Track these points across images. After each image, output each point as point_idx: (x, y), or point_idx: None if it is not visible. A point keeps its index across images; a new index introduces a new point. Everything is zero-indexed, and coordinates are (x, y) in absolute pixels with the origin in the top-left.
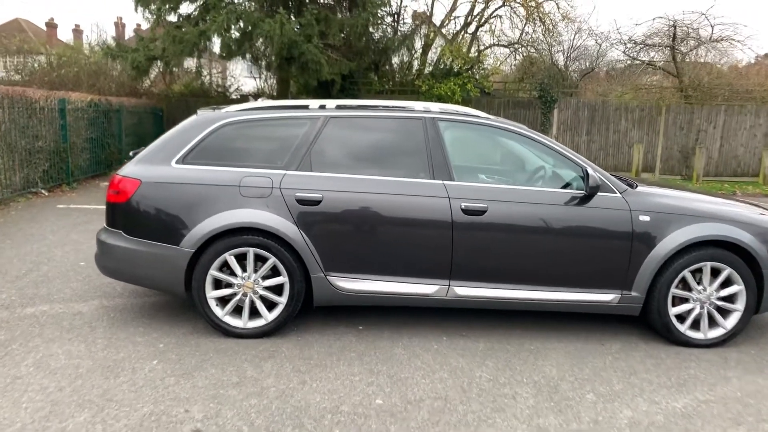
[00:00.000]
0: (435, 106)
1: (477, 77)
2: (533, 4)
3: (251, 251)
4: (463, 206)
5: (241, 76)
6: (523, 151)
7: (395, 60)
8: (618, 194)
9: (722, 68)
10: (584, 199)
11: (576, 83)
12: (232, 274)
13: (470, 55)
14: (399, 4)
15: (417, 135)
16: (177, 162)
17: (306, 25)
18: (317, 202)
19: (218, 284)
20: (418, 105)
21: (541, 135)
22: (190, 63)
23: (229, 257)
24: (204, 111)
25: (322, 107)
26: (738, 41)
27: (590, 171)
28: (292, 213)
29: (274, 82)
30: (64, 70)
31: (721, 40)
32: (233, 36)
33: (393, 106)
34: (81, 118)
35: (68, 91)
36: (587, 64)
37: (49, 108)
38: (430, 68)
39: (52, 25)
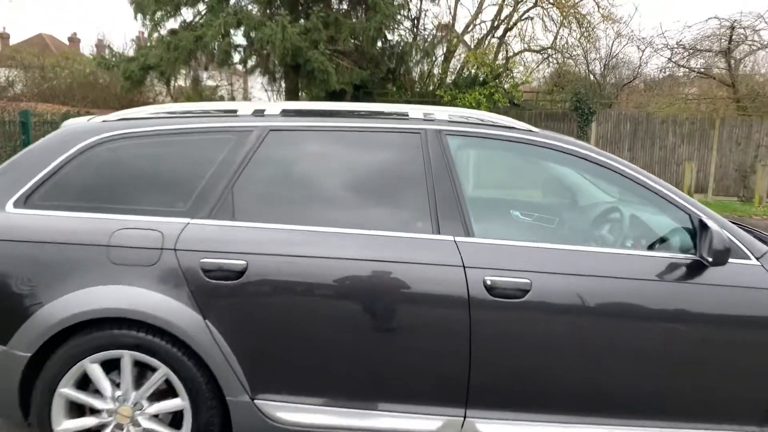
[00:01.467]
0: (442, 111)
1: (505, 87)
2: (570, 3)
3: (127, 356)
4: (488, 281)
5: (253, 89)
6: (584, 183)
7: (414, 68)
8: (755, 261)
9: None
10: (696, 269)
11: (616, 93)
12: (98, 393)
13: (497, 62)
14: (419, 7)
15: (412, 157)
16: (16, 204)
17: (312, 29)
18: (239, 273)
19: (76, 410)
20: (416, 110)
21: (616, 158)
22: (203, 76)
23: (91, 366)
24: (72, 122)
25: (259, 113)
26: None
27: (709, 222)
28: (195, 293)
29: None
30: (56, 81)
31: None
32: (232, 42)
33: (375, 112)
34: (49, 132)
35: (60, 104)
36: (627, 72)
37: (11, 121)
38: (453, 77)
39: (74, 40)
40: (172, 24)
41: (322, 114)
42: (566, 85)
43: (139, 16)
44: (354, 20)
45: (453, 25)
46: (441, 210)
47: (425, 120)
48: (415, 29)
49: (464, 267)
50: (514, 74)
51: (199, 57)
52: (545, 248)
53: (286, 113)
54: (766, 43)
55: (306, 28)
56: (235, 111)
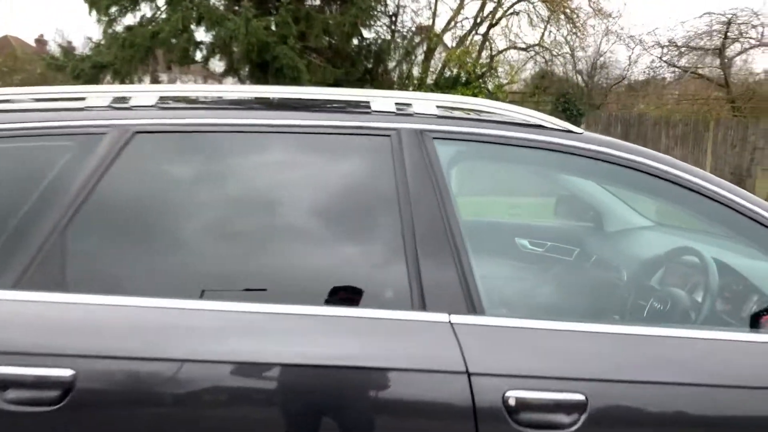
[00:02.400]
0: (426, 101)
1: (489, 87)
2: None
3: None
4: (510, 399)
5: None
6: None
7: (393, 67)
8: None
9: None
10: None
11: (605, 94)
12: None
13: (481, 60)
14: (396, 2)
15: (373, 176)
16: None
17: (281, 23)
18: (60, 394)
19: None
20: (384, 98)
21: (703, 174)
22: (174, 76)
23: None
24: None
25: (120, 102)
26: None
27: None
28: None
29: None
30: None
31: None
32: (193, 38)
33: (316, 101)
34: None
35: None
36: (616, 72)
37: None
38: (434, 77)
39: (42, 42)
40: (131, 20)
41: (228, 105)
42: (552, 86)
43: (94, 12)
44: (327, 15)
45: (433, 21)
46: (426, 269)
47: (398, 114)
48: (393, 26)
49: (468, 374)
50: (499, 74)
51: (158, 55)
52: (604, 333)
53: (164, 102)
54: (761, 40)
55: (274, 22)
56: (81, 99)
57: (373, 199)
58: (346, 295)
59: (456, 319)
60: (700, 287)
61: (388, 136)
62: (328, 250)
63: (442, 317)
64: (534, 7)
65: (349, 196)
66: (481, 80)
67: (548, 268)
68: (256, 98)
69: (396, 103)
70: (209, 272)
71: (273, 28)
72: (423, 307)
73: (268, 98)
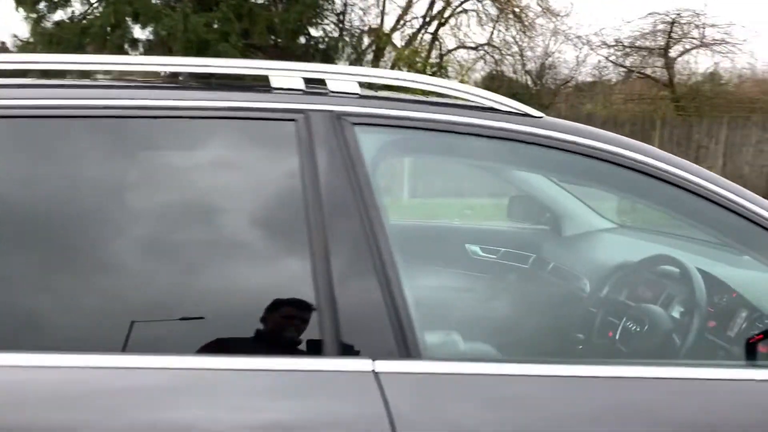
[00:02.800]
0: (340, 78)
1: None
2: None
3: None
4: None
5: None
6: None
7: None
8: None
9: (721, 75)
10: None
11: (554, 94)
12: None
13: (431, 60)
14: (344, 1)
15: (273, 176)
16: None
17: (222, 20)
18: None
19: None
20: (290, 72)
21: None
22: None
23: None
24: None
25: None
26: (735, 44)
27: None
28: None
29: None
30: None
31: (721, 42)
32: (128, 35)
33: (195, 75)
34: None
35: None
36: (565, 72)
37: None
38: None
39: (4, 50)
40: (62, 16)
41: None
42: (502, 86)
43: (21, 9)
44: (272, 12)
45: (382, 20)
46: (342, 298)
47: (307, 93)
48: (341, 24)
49: None
50: (449, 73)
51: (89, 52)
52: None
53: None
54: (703, 40)
55: (215, 19)
56: None
57: (270, 205)
58: (227, 338)
59: (382, 366)
60: (675, 302)
61: (293, 120)
62: (206, 273)
63: (364, 365)
64: (483, 5)
65: (236, 202)
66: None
67: (502, 278)
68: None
69: (304, 79)
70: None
71: (214, 25)
72: (338, 351)
73: (135, 68)
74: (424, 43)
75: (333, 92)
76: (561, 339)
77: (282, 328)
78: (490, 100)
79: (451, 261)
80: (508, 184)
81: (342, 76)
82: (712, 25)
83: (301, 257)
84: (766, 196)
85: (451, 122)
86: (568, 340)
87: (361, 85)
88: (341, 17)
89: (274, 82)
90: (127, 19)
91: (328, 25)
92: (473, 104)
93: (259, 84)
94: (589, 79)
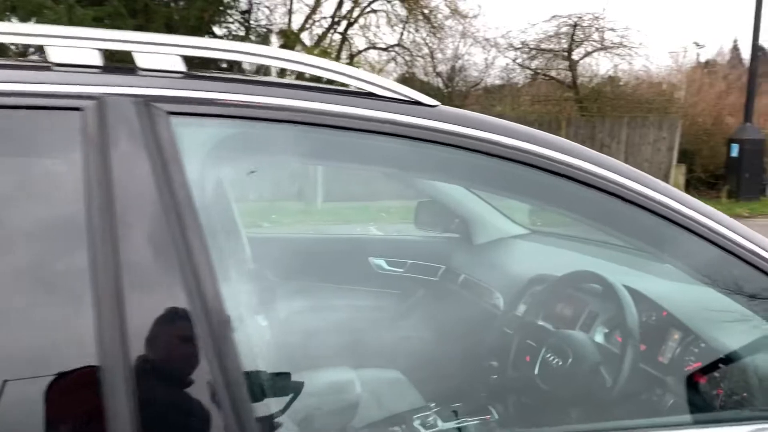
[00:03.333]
0: (154, 51)
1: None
2: None
3: None
4: None
5: None
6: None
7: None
8: None
9: (621, 76)
10: None
11: (465, 95)
12: None
13: (341, 61)
14: None
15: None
16: None
17: (114, 15)
18: None
19: None
20: (78, 40)
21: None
22: None
23: None
24: None
25: None
26: (633, 48)
27: None
28: None
29: None
30: None
31: (619, 46)
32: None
33: None
34: None
35: None
36: (475, 74)
37: None
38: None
39: None
40: None
41: None
42: (415, 89)
43: None
44: (171, 8)
45: (290, 19)
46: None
47: (105, 71)
48: (247, 23)
49: None
50: None
51: None
52: None
53: None
54: (600, 45)
55: (106, 13)
56: None
57: (43, 224)
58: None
59: None
60: (599, 322)
61: (78, 109)
62: None
63: None
64: (392, 6)
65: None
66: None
67: (408, 295)
68: None
69: (100, 50)
70: None
71: (105, 20)
72: None
73: None
74: (334, 44)
75: (144, 70)
76: (474, 369)
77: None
78: (369, 83)
79: (352, 277)
80: (413, 187)
81: (157, 48)
82: (611, 29)
83: (80, 306)
84: None
85: (313, 112)
86: (482, 371)
87: (200, 63)
88: (247, 16)
89: (55, 56)
90: (6, 14)
91: (232, 23)
92: (348, 89)
93: (37, 62)
94: (498, 81)
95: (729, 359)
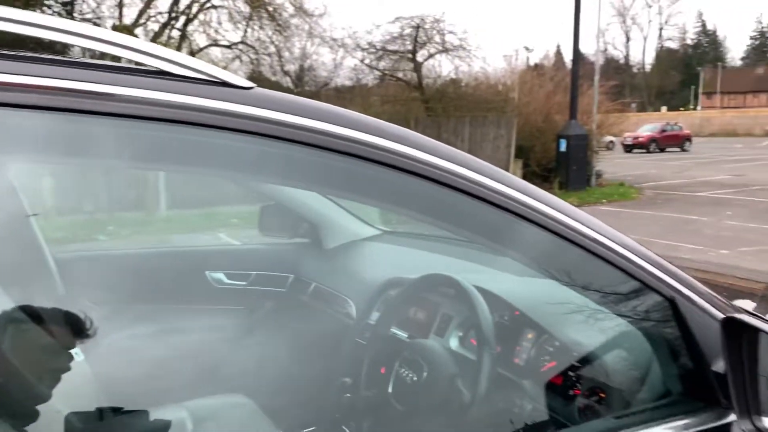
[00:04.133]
0: None
1: None
2: None
3: None
4: None
5: None
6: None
7: None
8: None
9: (462, 78)
10: None
11: (315, 96)
12: None
13: None
14: None
15: None
16: None
17: None
18: None
19: None
20: None
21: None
22: None
23: None
24: None
25: None
26: (471, 50)
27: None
28: None
29: None
30: None
31: (459, 48)
32: None
33: None
34: None
35: None
36: (324, 75)
37: None
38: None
39: None
40: None
41: None
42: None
43: None
44: None
45: (120, 13)
46: None
47: None
48: (70, 16)
49: None
50: None
51: None
52: None
53: None
54: (444, 46)
55: None
56: None
57: None
58: None
59: None
60: (453, 326)
61: None
62: None
63: None
64: (234, 2)
65: None
66: None
67: (254, 309)
68: None
69: None
70: None
71: None
72: None
73: None
74: (172, 40)
75: None
76: (326, 387)
77: None
78: (160, 58)
79: (186, 296)
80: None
81: None
82: (451, 32)
83: None
84: None
85: (78, 93)
86: (334, 389)
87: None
88: (69, 7)
89: None
90: None
91: (52, 15)
92: (135, 66)
93: None
94: (348, 82)
95: (584, 358)
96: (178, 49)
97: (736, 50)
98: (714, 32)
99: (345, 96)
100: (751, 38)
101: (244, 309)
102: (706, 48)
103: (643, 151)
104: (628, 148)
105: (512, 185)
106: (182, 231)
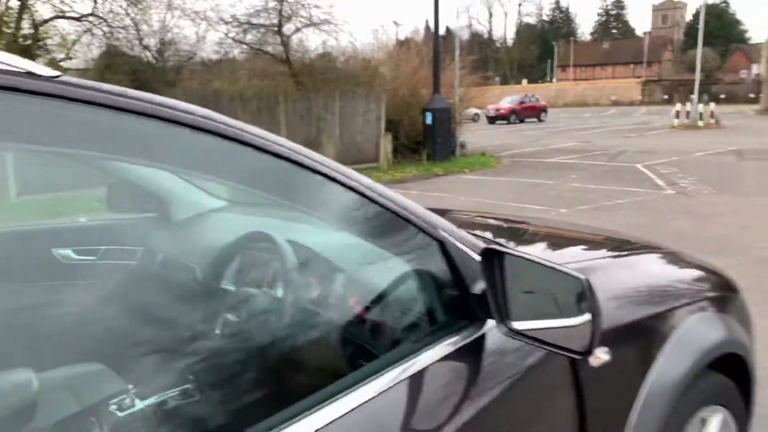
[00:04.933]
0: None
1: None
2: None
3: None
4: None
5: None
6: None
7: None
8: None
9: (331, 52)
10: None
11: (178, 72)
12: None
13: (23, 31)
14: None
15: None
16: None
17: None
18: None
19: None
20: None
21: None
22: None
23: None
24: None
25: None
26: (338, 24)
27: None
28: None
29: None
30: None
31: (325, 23)
32: None
33: None
34: None
35: None
36: (187, 49)
37: None
38: None
39: None
40: None
41: None
42: (125, 63)
43: None
44: None
45: None
46: None
47: None
48: None
49: None
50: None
51: None
52: None
53: None
54: (311, 20)
55: None
56: None
57: None
58: None
59: None
60: (278, 279)
61: None
62: None
63: None
64: None
65: None
66: (29, 55)
67: (105, 282)
68: None
69: None
70: None
71: None
72: None
73: None
74: (10, 11)
75: None
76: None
77: None
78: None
79: (33, 274)
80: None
81: None
82: (317, 6)
83: None
84: (376, 158)
85: None
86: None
87: None
88: None
89: None
90: None
91: None
92: None
93: None
94: (215, 56)
95: (379, 295)
96: (19, 21)
97: (585, 26)
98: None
99: (212, 70)
100: (598, 14)
101: (95, 283)
102: (560, 24)
103: (505, 122)
104: (491, 120)
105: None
106: (39, 217)
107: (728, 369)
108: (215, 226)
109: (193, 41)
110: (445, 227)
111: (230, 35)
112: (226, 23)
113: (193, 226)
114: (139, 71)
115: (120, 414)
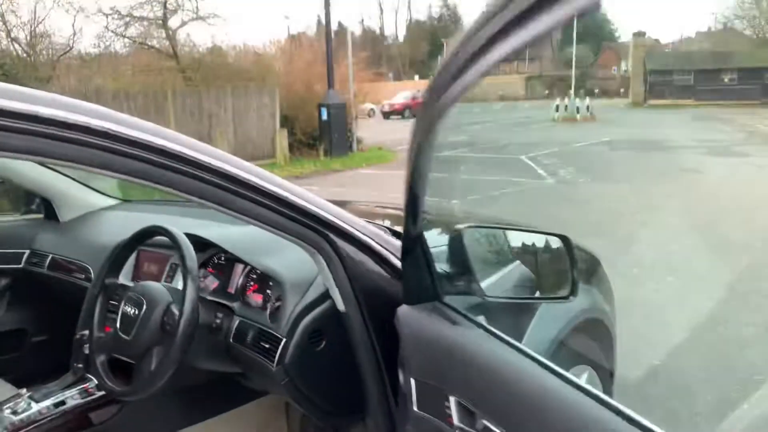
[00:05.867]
0: None
1: None
2: None
3: None
4: None
5: None
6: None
7: None
8: None
9: (220, 47)
10: None
11: (52, 66)
12: None
13: None
14: None
15: None
16: None
17: None
18: None
19: None
20: None
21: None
22: None
23: None
24: None
25: None
26: (226, 19)
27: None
28: None
29: None
30: None
31: (213, 16)
32: None
33: None
34: None
35: None
36: (62, 42)
37: None
38: None
39: None
40: None
41: None
42: None
43: None
44: None
45: None
46: None
47: None
48: None
49: None
50: None
51: None
52: None
53: None
54: (198, 13)
55: None
56: None
57: None
58: None
59: None
60: (178, 272)
61: None
62: None
63: None
64: None
65: None
66: None
67: None
68: None
69: None
70: None
71: None
72: None
73: None
74: None
75: None
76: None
77: None
78: None
79: None
80: None
81: None
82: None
83: None
84: (272, 154)
85: None
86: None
87: None
88: None
89: None
90: None
91: None
92: None
93: None
94: (94, 50)
95: (274, 279)
96: None
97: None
98: (455, 7)
99: (91, 65)
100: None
101: None
102: (448, 21)
103: (399, 117)
104: (387, 115)
105: (216, 156)
106: None
107: (592, 332)
108: (109, 223)
109: (69, 34)
110: (335, 212)
111: (110, 28)
112: (106, 15)
113: (83, 225)
114: (6, 66)
115: (15, 418)
